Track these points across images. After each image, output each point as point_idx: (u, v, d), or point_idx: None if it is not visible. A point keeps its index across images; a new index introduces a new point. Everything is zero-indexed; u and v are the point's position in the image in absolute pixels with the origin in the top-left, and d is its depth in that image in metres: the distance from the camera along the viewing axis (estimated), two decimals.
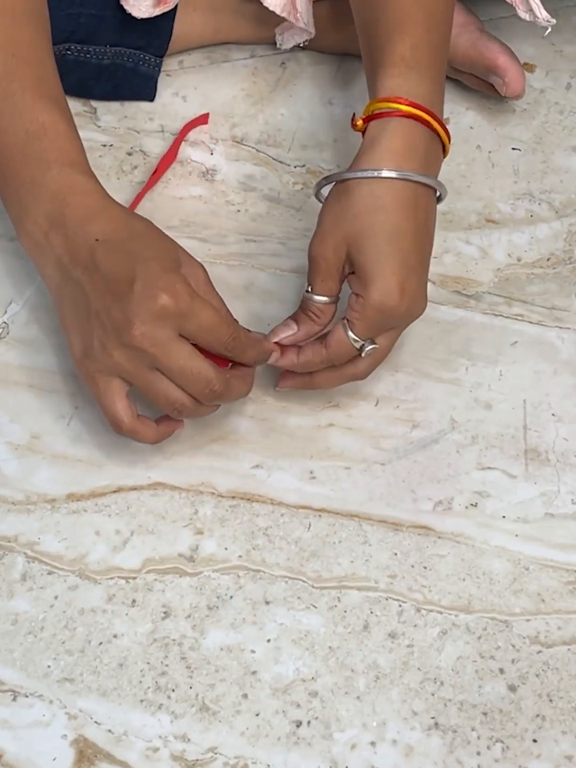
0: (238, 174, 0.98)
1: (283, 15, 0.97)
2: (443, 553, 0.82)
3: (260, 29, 1.03)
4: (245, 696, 0.76)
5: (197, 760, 0.74)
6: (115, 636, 0.78)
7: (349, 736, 0.75)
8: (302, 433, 0.86)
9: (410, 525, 0.83)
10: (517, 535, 0.82)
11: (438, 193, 0.81)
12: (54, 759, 0.74)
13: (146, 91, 1.02)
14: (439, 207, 0.96)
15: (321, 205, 0.82)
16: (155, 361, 0.75)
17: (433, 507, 0.83)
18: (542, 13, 0.94)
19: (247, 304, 0.89)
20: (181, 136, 0.99)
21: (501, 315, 0.92)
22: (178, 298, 0.75)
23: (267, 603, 0.79)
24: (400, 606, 0.80)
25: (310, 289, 0.80)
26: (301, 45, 1.01)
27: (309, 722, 0.76)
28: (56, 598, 0.79)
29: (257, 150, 1.00)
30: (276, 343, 0.81)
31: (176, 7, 0.99)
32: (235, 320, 0.80)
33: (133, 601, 0.79)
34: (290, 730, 0.75)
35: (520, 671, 0.78)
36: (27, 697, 0.76)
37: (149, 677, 0.77)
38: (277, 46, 1.02)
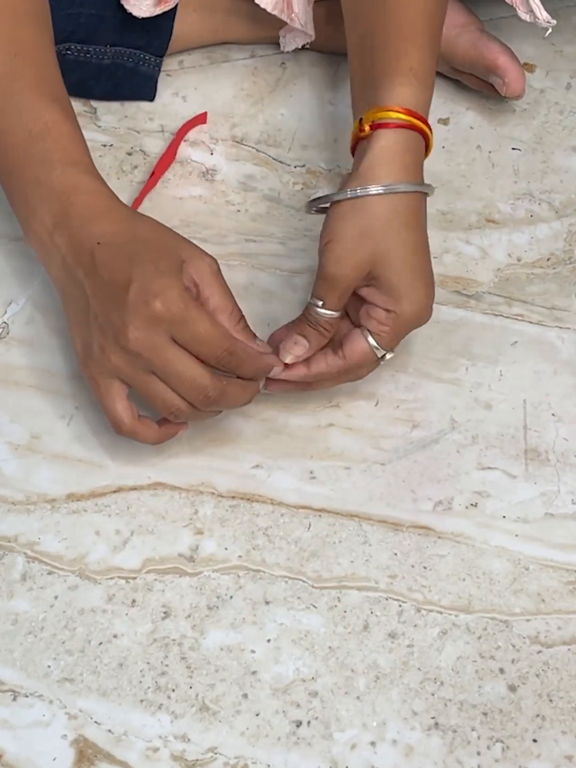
0: (238, 174, 0.98)
1: (275, 13, 0.96)
2: (443, 553, 0.82)
3: (260, 29, 1.02)
4: (245, 696, 0.76)
5: (197, 760, 0.74)
6: (115, 636, 0.78)
7: (349, 736, 0.75)
8: (302, 433, 0.86)
9: (410, 525, 0.83)
10: (517, 535, 0.82)
11: None
12: (54, 759, 0.74)
13: (146, 91, 1.02)
14: (439, 207, 0.97)
15: (317, 213, 0.82)
16: (151, 365, 0.75)
17: (433, 507, 0.83)
18: (543, 14, 0.94)
19: (247, 304, 0.89)
20: (179, 135, 0.99)
21: (501, 315, 0.92)
22: (171, 304, 0.74)
23: (267, 603, 0.79)
24: (400, 606, 0.80)
25: (321, 305, 0.79)
26: (303, 46, 1.01)
27: (309, 722, 0.76)
28: (56, 598, 0.79)
29: (257, 150, 1.00)
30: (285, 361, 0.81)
31: (176, 6, 0.99)
32: (243, 317, 0.79)
33: (133, 601, 0.79)
34: (290, 730, 0.75)
35: (520, 671, 0.78)
36: (27, 697, 0.76)
37: (149, 677, 0.77)
38: (281, 48, 1.02)
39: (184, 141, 0.99)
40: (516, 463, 0.85)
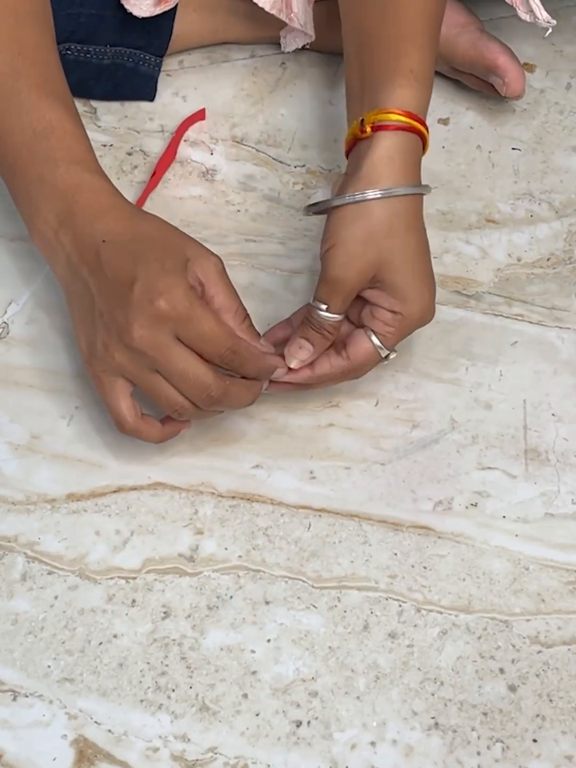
0: (238, 174, 0.98)
1: (273, 12, 0.96)
2: (443, 553, 0.82)
3: (260, 29, 1.02)
4: (245, 696, 0.76)
5: (197, 760, 0.74)
6: (115, 636, 0.78)
7: (349, 736, 0.75)
8: (302, 433, 0.86)
9: (410, 525, 0.83)
10: (517, 535, 0.82)
11: None
12: (54, 759, 0.74)
13: (146, 91, 1.02)
14: (439, 207, 0.97)
15: (320, 215, 0.82)
16: (155, 364, 0.75)
17: (433, 507, 0.83)
18: (543, 14, 0.94)
19: (247, 304, 0.89)
20: (179, 133, 0.99)
21: (501, 315, 0.92)
22: (175, 302, 0.74)
23: (267, 603, 0.79)
24: (400, 606, 0.80)
25: (325, 308, 0.79)
26: (303, 47, 1.01)
27: (309, 722, 0.76)
28: (56, 598, 0.79)
29: (257, 150, 1.00)
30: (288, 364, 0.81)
31: (176, 6, 0.99)
32: (247, 316, 0.79)
33: (133, 601, 0.79)
34: (290, 730, 0.75)
35: (520, 671, 0.78)
36: (27, 697, 0.76)
37: (149, 677, 0.77)
38: (282, 48, 1.02)
39: (184, 141, 0.99)
40: (516, 463, 0.85)
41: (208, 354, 0.76)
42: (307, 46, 1.01)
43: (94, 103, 1.01)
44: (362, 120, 0.80)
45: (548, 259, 0.95)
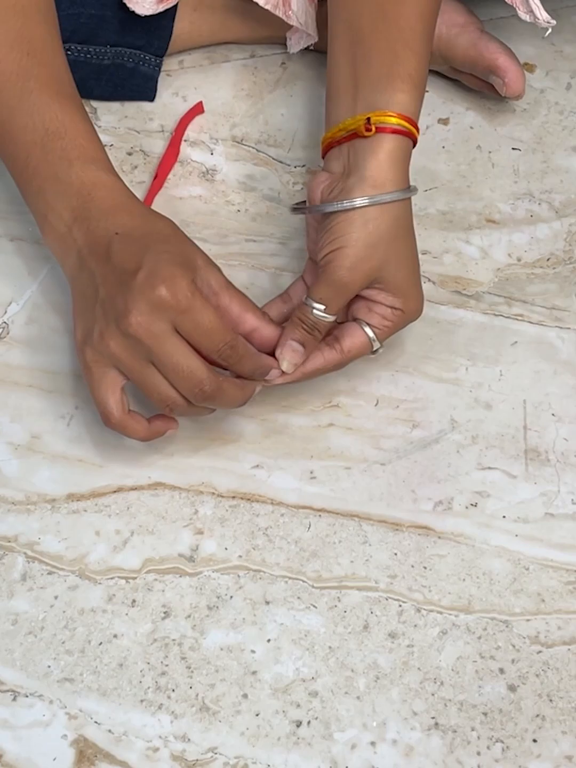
0: (238, 174, 0.98)
1: (267, 7, 0.96)
2: (443, 553, 0.82)
3: (260, 29, 1.02)
4: (245, 696, 0.76)
5: (197, 760, 0.74)
6: (115, 636, 0.78)
7: (349, 736, 0.75)
8: (302, 433, 0.86)
9: (410, 525, 0.83)
10: (517, 535, 0.82)
11: None
12: (54, 759, 0.74)
13: (146, 91, 1.02)
14: (439, 207, 0.97)
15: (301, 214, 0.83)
16: (150, 354, 0.75)
17: (433, 507, 0.83)
18: (542, 15, 0.94)
19: None
20: (179, 131, 0.99)
21: (501, 315, 0.92)
22: (177, 291, 0.74)
23: (267, 603, 0.79)
24: (400, 606, 0.80)
25: (323, 309, 0.79)
26: (309, 48, 1.01)
27: (309, 722, 0.76)
28: (56, 598, 0.79)
29: (257, 150, 1.00)
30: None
31: (176, 6, 0.99)
32: (265, 314, 0.79)
33: (133, 601, 0.79)
34: (290, 730, 0.75)
35: (520, 671, 0.78)
36: (27, 697, 0.76)
37: (149, 677, 0.77)
38: (288, 49, 1.02)
39: (184, 141, 0.99)
40: (516, 463, 0.85)
41: (204, 347, 0.76)
42: (310, 47, 1.01)
43: (94, 103, 1.01)
44: (368, 118, 0.79)
45: (548, 259, 0.95)
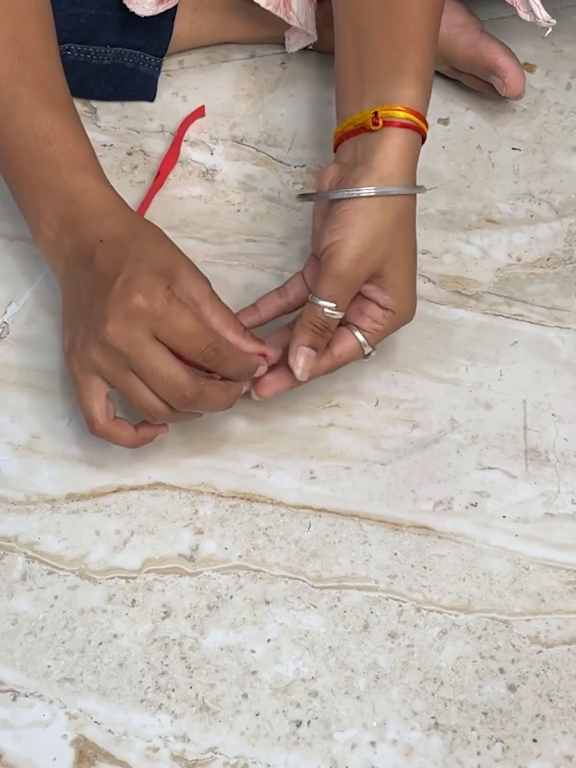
0: (238, 174, 0.98)
1: (269, 9, 0.96)
2: (443, 553, 0.82)
3: (260, 29, 1.03)
4: (245, 696, 0.76)
5: (197, 760, 0.74)
6: (115, 636, 0.78)
7: (349, 736, 0.75)
8: (302, 433, 0.86)
9: (410, 525, 0.83)
10: (517, 535, 0.82)
11: None
12: (54, 759, 0.74)
13: (146, 91, 1.02)
14: (439, 207, 0.97)
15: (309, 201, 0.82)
16: (129, 362, 0.75)
17: (433, 507, 0.83)
18: (543, 14, 0.94)
19: (247, 304, 0.89)
20: (180, 133, 0.99)
21: (501, 315, 0.92)
22: (153, 299, 0.74)
23: (267, 603, 0.79)
24: (400, 606, 0.80)
25: (334, 306, 0.78)
26: (309, 47, 1.01)
27: (309, 722, 0.76)
28: (56, 598, 0.79)
29: (257, 150, 1.00)
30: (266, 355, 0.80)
31: (176, 6, 0.99)
32: (246, 329, 0.79)
33: (133, 601, 0.79)
34: (290, 730, 0.75)
35: (520, 671, 0.78)
36: (27, 697, 0.76)
37: (149, 677, 0.77)
38: (286, 49, 1.02)
39: (184, 141, 0.99)
40: (516, 463, 0.85)
41: (186, 352, 0.75)
42: (309, 47, 1.01)
43: (94, 103, 1.01)
44: (376, 112, 0.79)
45: (548, 259, 0.95)
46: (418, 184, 0.81)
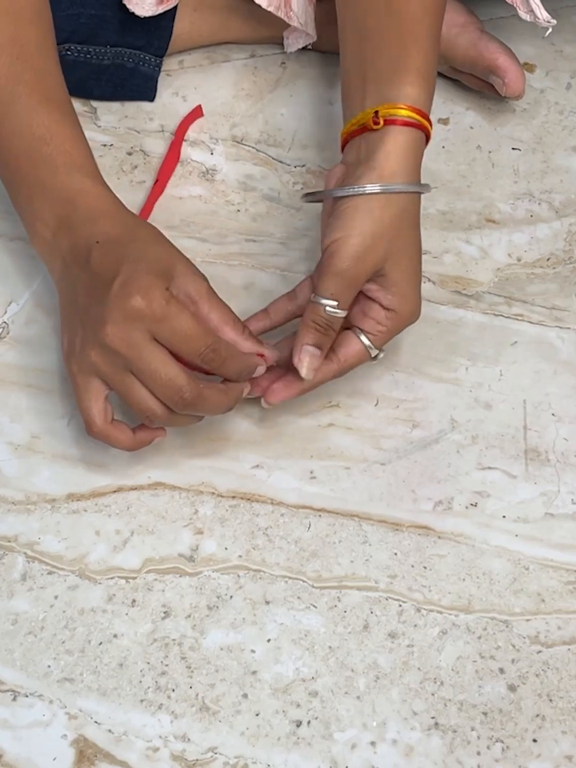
0: (238, 174, 0.98)
1: (270, 9, 0.96)
2: (443, 553, 0.82)
3: (260, 29, 1.03)
4: (245, 696, 0.76)
5: (197, 760, 0.74)
6: (115, 636, 0.78)
7: (349, 736, 0.75)
8: (302, 433, 0.86)
9: (410, 525, 0.83)
10: (517, 535, 0.82)
11: None
12: (54, 759, 0.74)
13: (146, 91, 1.02)
14: (439, 207, 0.97)
15: (317, 202, 0.82)
16: (128, 363, 0.75)
17: (433, 507, 0.83)
18: (543, 14, 0.94)
19: (247, 304, 0.89)
20: (179, 135, 0.99)
21: (501, 315, 0.92)
22: (151, 300, 0.73)
23: (267, 603, 0.79)
24: (400, 606, 0.80)
25: (336, 305, 0.78)
26: (308, 47, 1.01)
27: (309, 722, 0.76)
28: (56, 598, 0.79)
29: (257, 150, 1.00)
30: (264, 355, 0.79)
31: (176, 6, 0.99)
32: (246, 327, 0.79)
33: (133, 601, 0.79)
34: (290, 730, 0.75)
35: (520, 671, 0.78)
36: (27, 697, 0.76)
37: (149, 677, 0.77)
38: (284, 48, 1.02)
39: (184, 141, 0.99)
40: (516, 463, 0.85)
41: (185, 353, 0.75)
42: (309, 47, 1.01)
43: (94, 103, 1.01)
44: (376, 112, 0.79)
45: (548, 259, 0.95)
46: (424, 183, 0.81)
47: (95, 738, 0.75)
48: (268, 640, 0.78)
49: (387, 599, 0.80)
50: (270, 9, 0.96)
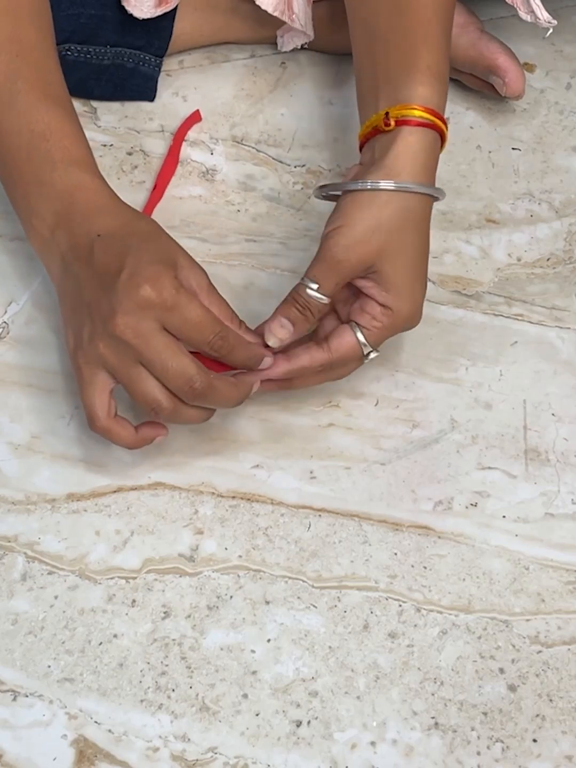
0: (238, 174, 0.98)
1: (276, 14, 0.97)
2: (443, 553, 0.82)
3: (260, 29, 1.03)
4: (245, 696, 0.76)
5: (197, 760, 0.74)
6: (115, 636, 0.78)
7: (349, 736, 0.75)
8: (302, 433, 0.86)
9: (410, 525, 0.83)
10: (517, 535, 0.82)
11: None
12: (54, 759, 0.74)
13: (146, 91, 1.02)
14: (439, 206, 0.97)
15: (328, 201, 0.82)
16: (138, 354, 0.74)
17: (433, 507, 0.83)
18: (543, 15, 0.94)
19: (247, 304, 0.89)
20: (178, 140, 0.98)
21: (501, 315, 0.92)
22: (161, 289, 0.74)
23: (267, 603, 0.79)
24: (400, 606, 0.80)
25: (316, 287, 0.79)
26: (302, 46, 1.01)
27: (309, 722, 0.76)
28: (56, 598, 0.79)
29: (257, 150, 1.00)
30: (269, 346, 0.79)
31: (176, 7, 0.99)
32: (241, 322, 0.79)
33: (133, 601, 0.79)
34: (290, 730, 0.75)
35: (520, 671, 0.78)
36: (27, 697, 0.76)
37: (149, 677, 0.77)
38: (278, 48, 1.02)
39: (185, 141, 0.99)
40: (516, 463, 0.85)
41: (195, 341, 0.75)
42: (305, 46, 1.01)
43: (94, 103, 1.01)
44: (387, 113, 0.79)
45: (548, 259, 0.95)
46: (438, 186, 0.80)
47: (95, 738, 0.75)
48: (268, 640, 0.78)
49: (387, 599, 0.80)
50: (276, 13, 0.96)
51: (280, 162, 0.99)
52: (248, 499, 0.83)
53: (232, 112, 1.02)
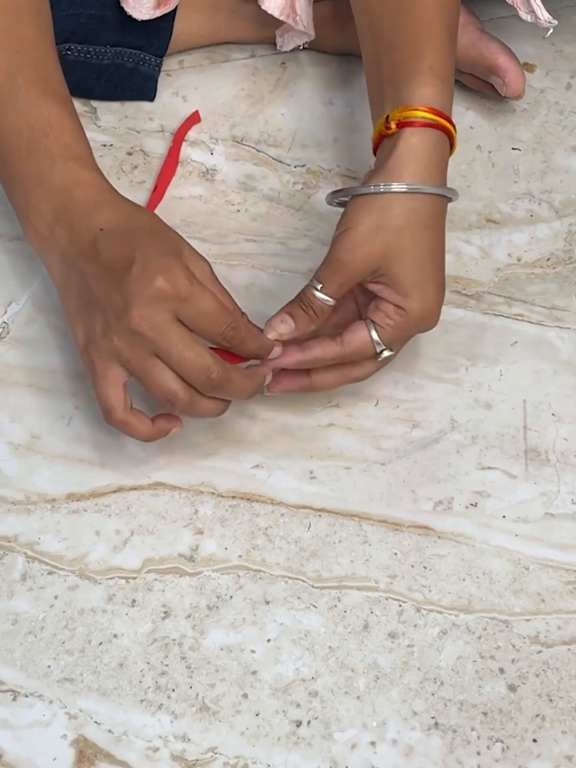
0: (238, 174, 0.98)
1: (282, 18, 0.97)
2: (443, 553, 0.82)
3: (260, 29, 1.03)
4: (245, 696, 0.76)
5: (197, 760, 0.74)
6: (115, 636, 0.78)
7: (349, 736, 0.75)
8: (302, 433, 0.86)
9: (410, 525, 0.83)
10: (517, 535, 0.82)
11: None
12: (54, 759, 0.74)
13: (146, 91, 1.02)
14: None
15: (338, 206, 0.82)
16: (154, 346, 0.74)
17: (433, 507, 0.83)
18: (544, 15, 0.94)
19: (247, 304, 0.89)
20: (177, 142, 0.98)
21: (501, 315, 0.92)
22: (175, 281, 0.74)
23: (267, 603, 0.79)
24: (400, 606, 0.80)
25: (320, 288, 0.79)
26: (302, 47, 1.01)
27: (309, 722, 0.76)
28: (56, 598, 0.79)
29: (257, 150, 1.00)
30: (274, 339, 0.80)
31: (176, 7, 0.99)
32: (243, 314, 0.79)
33: (133, 601, 0.79)
34: (290, 730, 0.75)
35: (520, 671, 0.78)
36: (27, 697, 0.76)
37: (149, 677, 0.77)
38: (278, 47, 1.02)
39: (184, 141, 0.99)
40: (516, 463, 0.85)
41: (208, 332, 0.76)
42: (305, 46, 1.01)
43: (94, 103, 1.01)
44: (387, 117, 0.79)
45: (548, 259, 0.95)
46: (450, 187, 0.80)
47: (95, 738, 0.75)
48: (268, 640, 0.78)
49: (387, 599, 0.80)
50: (282, 17, 0.96)
51: (280, 162, 0.99)
52: (248, 499, 0.83)
53: (232, 112, 1.02)
